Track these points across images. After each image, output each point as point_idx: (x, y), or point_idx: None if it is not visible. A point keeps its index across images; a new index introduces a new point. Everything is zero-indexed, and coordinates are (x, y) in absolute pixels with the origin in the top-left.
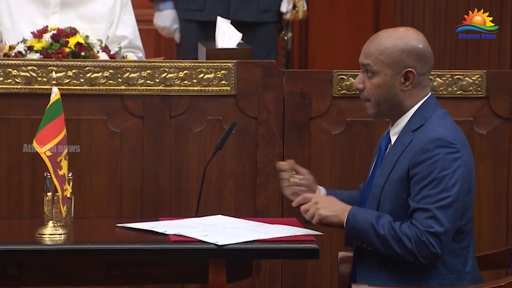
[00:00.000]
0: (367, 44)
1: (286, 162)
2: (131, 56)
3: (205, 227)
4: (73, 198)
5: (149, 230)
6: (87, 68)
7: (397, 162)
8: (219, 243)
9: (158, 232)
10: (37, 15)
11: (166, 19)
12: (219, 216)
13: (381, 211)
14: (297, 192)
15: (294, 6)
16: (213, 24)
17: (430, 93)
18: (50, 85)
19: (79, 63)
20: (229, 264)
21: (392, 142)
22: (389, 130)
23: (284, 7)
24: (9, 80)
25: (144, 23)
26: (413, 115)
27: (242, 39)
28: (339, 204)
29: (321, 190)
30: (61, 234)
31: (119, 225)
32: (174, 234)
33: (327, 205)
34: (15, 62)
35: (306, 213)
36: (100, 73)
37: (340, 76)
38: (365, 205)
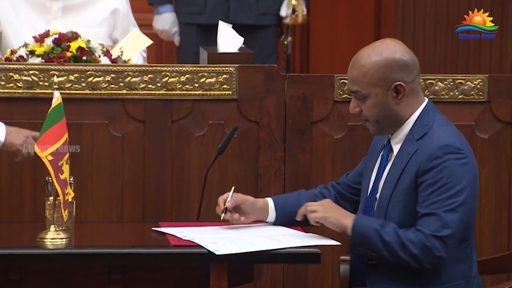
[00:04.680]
0: (350, 70)
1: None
2: (140, 53)
3: (227, 234)
4: (74, 203)
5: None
6: (89, 72)
7: (404, 171)
8: (218, 253)
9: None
10: (39, 20)
11: (165, 22)
12: (267, 225)
13: (389, 221)
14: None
15: (294, 11)
16: (213, 27)
17: (426, 99)
18: (52, 90)
19: (81, 67)
20: (231, 268)
21: (395, 151)
22: (389, 139)
23: (284, 11)
24: (11, 85)
25: (144, 27)
26: (414, 123)
27: (243, 43)
28: (342, 210)
29: (269, 202)
30: (62, 239)
31: (155, 229)
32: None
33: (332, 209)
34: (17, 66)
35: (312, 213)
36: (102, 78)
37: (342, 80)
38: (370, 215)
